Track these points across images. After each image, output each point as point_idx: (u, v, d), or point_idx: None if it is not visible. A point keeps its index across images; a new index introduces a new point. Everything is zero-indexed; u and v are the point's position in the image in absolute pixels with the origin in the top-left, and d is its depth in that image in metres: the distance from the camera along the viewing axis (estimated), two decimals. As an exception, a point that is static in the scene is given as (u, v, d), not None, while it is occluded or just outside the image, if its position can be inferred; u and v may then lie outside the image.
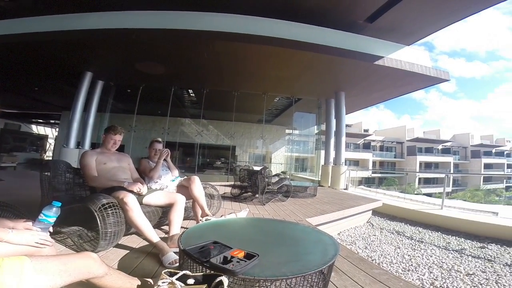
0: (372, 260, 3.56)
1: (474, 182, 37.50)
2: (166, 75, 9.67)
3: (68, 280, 1.00)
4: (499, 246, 4.01)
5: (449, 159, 39.74)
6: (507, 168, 42.53)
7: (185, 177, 2.99)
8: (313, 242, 1.75)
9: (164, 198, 2.43)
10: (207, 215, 2.56)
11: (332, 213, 4.40)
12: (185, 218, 2.68)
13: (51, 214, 1.25)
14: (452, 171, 38.03)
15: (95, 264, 1.13)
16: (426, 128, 47.49)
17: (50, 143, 21.26)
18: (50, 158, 18.21)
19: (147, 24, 6.93)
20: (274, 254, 1.48)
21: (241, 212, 2.99)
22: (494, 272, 3.12)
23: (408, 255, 3.70)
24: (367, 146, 36.88)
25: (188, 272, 1.12)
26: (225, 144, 15.20)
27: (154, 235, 2.03)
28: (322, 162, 10.96)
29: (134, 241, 2.30)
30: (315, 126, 13.68)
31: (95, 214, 1.86)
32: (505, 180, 40.14)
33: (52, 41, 7.20)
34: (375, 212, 5.98)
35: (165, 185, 2.87)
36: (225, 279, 1.03)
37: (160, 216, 2.51)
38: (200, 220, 2.60)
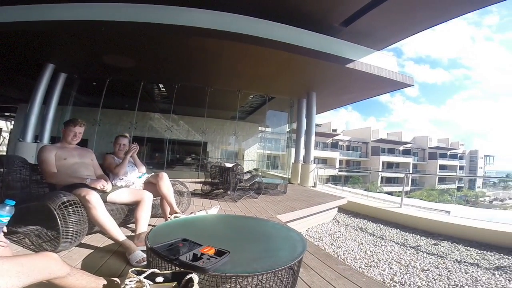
0: (338, 256, 3.71)
1: (430, 182, 40.63)
2: (135, 68, 9.29)
3: (26, 282, 0.94)
4: (450, 243, 4.31)
5: (409, 159, 42.62)
6: (459, 169, 46.54)
7: (153, 173, 2.89)
8: (283, 239, 1.78)
9: (130, 195, 2.34)
10: (176, 213, 2.50)
11: (301, 210, 4.53)
12: (152, 216, 2.60)
13: (4, 214, 1.16)
14: (411, 171, 40.78)
15: (56, 264, 1.07)
16: (390, 130, 50.81)
17: (4, 136, 19.45)
18: (4, 153, 16.64)
19: (117, 16, 6.59)
20: (245, 250, 1.49)
21: (212, 209, 2.96)
22: (446, 268, 3.35)
23: (370, 251, 3.90)
24: (335, 146, 38.38)
25: (156, 270, 1.09)
26: (196, 140, 14.90)
27: (120, 234, 1.95)
28: (292, 160, 11.20)
29: (99, 240, 2.19)
30: (287, 125, 13.93)
31: (55, 212, 1.74)
32: (457, 181, 43.97)
33: (14, 32, 6.65)
34: (341, 209, 6.24)
35: (131, 182, 2.75)
36: (195, 277, 1.02)
37: (126, 214, 2.41)
38: (169, 217, 2.54)
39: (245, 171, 6.94)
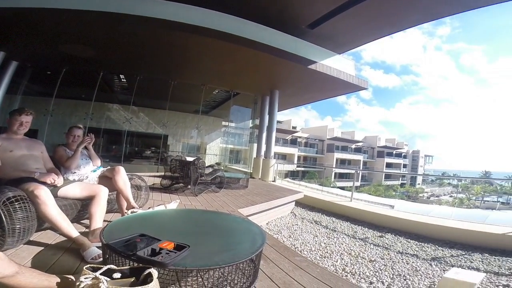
0: (295, 248, 3.89)
1: (377, 178, 44.19)
2: (95, 58, 8.63)
3: None
4: (393, 235, 4.70)
5: (360, 157, 45.87)
6: (403, 167, 51.21)
7: (109, 167, 2.75)
8: (243, 232, 1.83)
9: (83, 190, 2.21)
10: (133, 208, 2.42)
11: (261, 204, 4.65)
12: (108, 211, 2.49)
13: None
14: (361, 168, 43.99)
15: (2, 263, 1.02)
16: (344, 129, 53.90)
17: None
18: None
19: (77, 5, 6.01)
20: (206, 244, 1.50)
21: (171, 203, 2.92)
22: (390, 259, 3.64)
23: (324, 243, 4.14)
24: (294, 142, 39.74)
25: (113, 266, 1.07)
26: (157, 132, 14.27)
27: (73, 230, 1.85)
28: (254, 155, 11.37)
29: (50, 237, 2.06)
30: (250, 120, 14.05)
31: (-1, 209, 1.59)
32: (400, 178, 48.41)
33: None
34: (298, 203, 6.52)
35: (85, 175, 2.59)
36: (154, 271, 1.02)
37: (79, 209, 2.28)
38: (126, 212, 2.45)
39: (207, 165, 6.89)
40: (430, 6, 7.08)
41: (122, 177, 2.51)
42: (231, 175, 6.96)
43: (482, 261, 3.52)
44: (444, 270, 3.18)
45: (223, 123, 16.23)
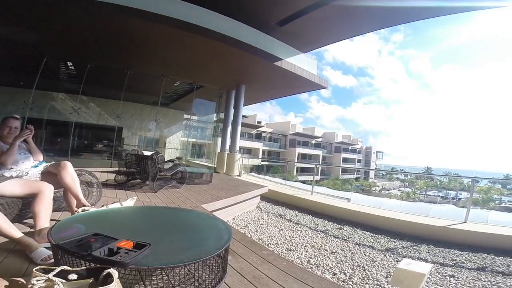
0: (262, 242, 3.89)
1: (335, 173, 46.72)
2: (38, 43, 7.68)
3: None
4: (351, 227, 4.91)
5: (319, 152, 48.00)
6: (358, 162, 54.71)
7: (53, 162, 2.46)
8: (208, 228, 1.78)
9: (23, 187, 1.95)
10: (84, 206, 2.21)
11: (226, 199, 4.58)
12: (56, 210, 2.25)
13: None
14: (320, 163, 46.05)
15: None
16: (305, 125, 55.92)
17: None
18: None
19: None
20: (169, 242, 1.43)
21: (128, 200, 2.72)
22: (349, 250, 3.79)
23: (289, 236, 4.21)
24: (259, 137, 40.19)
25: (67, 267, 0.97)
26: (110, 124, 13.26)
27: (15, 230, 1.63)
28: (218, 149, 11.21)
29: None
30: (214, 114, 13.80)
31: None
32: (355, 172, 51.70)
33: None
34: (263, 197, 6.56)
35: (25, 172, 2.28)
36: (114, 271, 0.94)
37: (21, 208, 2.01)
38: (76, 211, 2.22)
39: (166, 159, 6.60)
40: (388, 14, 7.56)
41: (69, 172, 2.26)
42: (193, 170, 6.77)
43: (428, 252, 3.82)
44: (397, 261, 3.38)
45: (185, 116, 15.69)
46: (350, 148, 53.86)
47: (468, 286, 2.78)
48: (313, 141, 48.83)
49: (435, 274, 3.05)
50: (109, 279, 0.92)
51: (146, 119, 14.44)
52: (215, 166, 10.71)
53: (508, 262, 3.41)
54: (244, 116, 31.69)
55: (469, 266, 3.36)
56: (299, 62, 9.06)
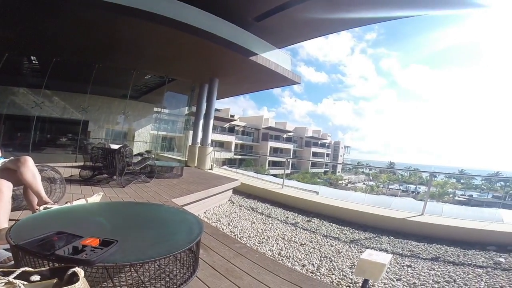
0: (235, 235, 3.92)
1: (305, 166, 48.05)
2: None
3: None
4: (319, 219, 5.08)
5: (290, 146, 49.01)
6: (326, 156, 56.65)
7: (12, 158, 2.28)
8: (179, 222, 1.77)
9: (-24, 184, 1.79)
10: (46, 203, 2.08)
11: (197, 193, 4.54)
12: (15, 209, 2.10)
13: None
14: (291, 156, 47.06)
15: None
16: (278, 120, 56.59)
17: None
18: None
19: None
20: (137, 238, 1.41)
21: (93, 196, 2.60)
22: (317, 242, 3.85)
23: (261, 229, 4.28)
24: (231, 130, 40.06)
25: (28, 269, 0.91)
26: (75, 118, 12.46)
27: None
28: (190, 142, 11.02)
29: None
30: (186, 107, 13.50)
31: None
32: (324, 166, 53.54)
33: None
34: (236, 191, 6.59)
35: (-22, 167, 2.10)
36: (79, 270, 0.90)
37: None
38: (37, 209, 2.09)
39: (135, 153, 6.38)
40: (363, 14, 7.84)
41: (30, 168, 2.11)
42: (163, 163, 6.64)
43: (389, 243, 4.06)
44: (360, 252, 3.56)
45: (155, 109, 15.17)
46: (319, 142, 55.56)
47: (423, 276, 2.96)
48: (285, 135, 49.69)
49: (394, 264, 3.24)
50: (74, 278, 0.88)
51: (114, 112, 13.72)
52: (186, 159, 10.53)
53: (458, 253, 3.70)
54: (217, 110, 31.32)
55: (424, 256, 3.59)
56: (274, 57, 9.14)
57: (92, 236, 1.16)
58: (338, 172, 54.35)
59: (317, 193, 7.20)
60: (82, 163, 5.57)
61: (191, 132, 11.55)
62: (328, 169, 54.13)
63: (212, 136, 10.69)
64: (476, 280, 2.85)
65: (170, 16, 6.49)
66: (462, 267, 3.25)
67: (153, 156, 10.29)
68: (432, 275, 2.98)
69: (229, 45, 7.65)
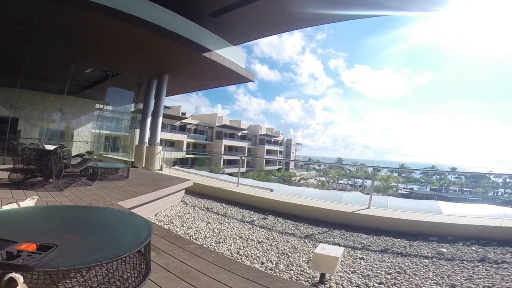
0: (190, 236, 3.79)
1: (260, 164, 48.85)
2: None
3: None
4: (274, 216, 5.14)
5: (245, 144, 49.39)
6: (279, 154, 58.42)
7: None
8: (126, 225, 1.70)
9: None
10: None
11: (146, 195, 4.32)
12: None
13: None
14: (245, 154, 47.45)
15: None
16: (232, 118, 56.54)
17: None
18: None
19: None
20: (80, 242, 1.32)
21: (27, 201, 2.31)
22: (274, 239, 3.88)
23: (217, 229, 4.21)
24: (183, 128, 38.76)
25: None
26: (1, 115, 10.84)
27: None
28: (137, 142, 10.37)
29: None
30: (133, 104, 12.64)
31: None
32: (277, 163, 55.15)
33: None
34: (188, 191, 6.39)
35: None
36: (18, 276, 0.84)
37: None
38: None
39: (74, 154, 5.81)
40: (314, 14, 8.21)
41: None
42: (107, 165, 6.25)
43: (341, 237, 4.26)
44: (315, 246, 3.60)
45: (97, 105, 13.93)
46: (273, 140, 57.03)
47: (376, 267, 3.08)
48: (239, 133, 49.91)
49: (348, 257, 3.40)
50: (13, 284, 0.84)
51: (49, 109, 12.22)
52: (133, 160, 9.93)
53: (405, 244, 3.91)
54: (166, 107, 30.10)
55: (374, 248, 3.76)
56: (229, 54, 9.06)
57: (28, 241, 1.07)
58: (291, 169, 56.47)
59: (271, 190, 7.29)
60: (11, 165, 4.88)
61: (138, 131, 10.85)
62: (281, 166, 55.89)
63: (162, 135, 10.24)
64: (424, 270, 3.02)
65: (112, 5, 5.97)
66: (410, 258, 3.43)
67: (95, 157, 9.48)
68: (384, 266, 3.12)
69: (181, 40, 7.36)
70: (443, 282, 2.74)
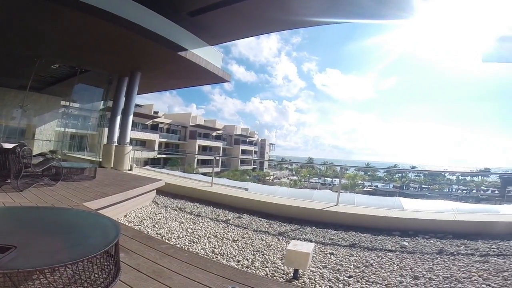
0: (162, 237, 3.70)
1: (235, 164, 48.74)
2: None
3: None
4: (249, 215, 5.18)
5: (220, 144, 49.03)
6: (254, 153, 58.70)
7: None
8: (92, 226, 1.67)
9: None
10: None
11: (115, 195, 4.16)
12: None
13: None
14: (220, 154, 47.11)
15: None
16: (207, 117, 55.83)
17: None
18: None
19: None
20: (42, 243, 1.26)
21: (-21, 203, 2.12)
22: (249, 237, 3.90)
23: (191, 229, 4.15)
24: (155, 128, 37.54)
25: None
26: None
27: None
28: (105, 141, 9.91)
29: None
30: (102, 102, 12.03)
31: None
32: (252, 163, 55.39)
33: None
34: (160, 192, 6.21)
35: None
36: None
37: None
38: None
39: (36, 153, 5.44)
40: (290, 18, 8.33)
41: None
42: (72, 164, 6.00)
43: (312, 233, 4.39)
44: (288, 243, 3.64)
45: (63, 102, 13.11)
46: (248, 140, 57.16)
47: (345, 262, 3.21)
48: (214, 133, 49.43)
49: (319, 252, 3.51)
50: None
51: (8, 105, 11.31)
52: (101, 160, 9.48)
53: (371, 239, 4.10)
54: (138, 105, 29.06)
55: (343, 243, 3.91)
56: (205, 54, 8.94)
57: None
58: (265, 168, 56.98)
59: (246, 189, 7.34)
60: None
61: (106, 130, 10.36)
62: (256, 166, 56.18)
63: (132, 134, 9.89)
64: (389, 263, 3.20)
65: (87, 1, 5.67)
66: (376, 251, 3.62)
67: (59, 156, 8.95)
68: (352, 260, 3.28)
69: (156, 38, 7.14)
70: (406, 274, 2.91)
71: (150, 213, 4.90)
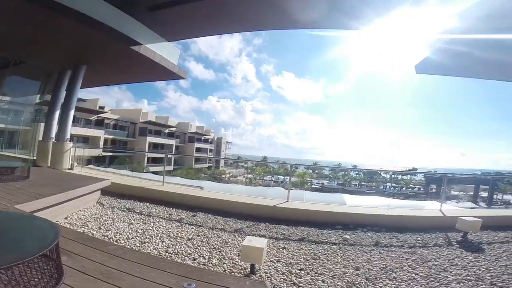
0: (109, 239, 3.51)
1: (189, 162, 47.44)
2: None
3: None
4: (204, 213, 5.14)
5: (173, 141, 47.29)
6: (210, 152, 57.91)
7: None
8: (26, 229, 1.56)
9: None
10: None
11: (52, 197, 3.82)
12: None
13: None
14: (173, 152, 45.43)
15: None
16: (160, 114, 53.15)
17: None
18: None
19: None
20: None
21: None
22: (204, 235, 3.92)
23: (141, 229, 3.99)
24: (100, 123, 34.67)
25: None
26: None
27: None
28: (40, 137, 8.88)
29: None
30: (38, 95, 10.74)
31: None
32: (208, 161, 54.59)
33: None
34: (105, 192, 5.79)
35: None
36: None
37: None
38: None
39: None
40: (254, 20, 8.36)
41: None
42: (0, 163, 5.16)
43: (265, 229, 4.54)
44: (243, 239, 3.72)
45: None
46: (203, 138, 56.11)
47: (296, 255, 3.41)
48: (167, 131, 47.45)
49: (272, 247, 3.66)
50: None
51: None
52: (35, 158, 8.50)
53: (317, 233, 4.38)
54: (81, 99, 26.53)
55: (293, 238, 4.12)
56: (160, 49, 8.52)
57: None
58: (221, 166, 56.58)
59: (202, 188, 7.25)
60: None
61: (42, 125, 9.28)
62: (212, 164, 55.44)
63: (73, 130, 9.03)
64: (334, 256, 3.48)
65: None
66: (322, 245, 3.89)
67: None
68: (302, 254, 3.50)
69: (105, 30, 6.58)
70: (349, 265, 3.22)
71: (95, 214, 4.57)
